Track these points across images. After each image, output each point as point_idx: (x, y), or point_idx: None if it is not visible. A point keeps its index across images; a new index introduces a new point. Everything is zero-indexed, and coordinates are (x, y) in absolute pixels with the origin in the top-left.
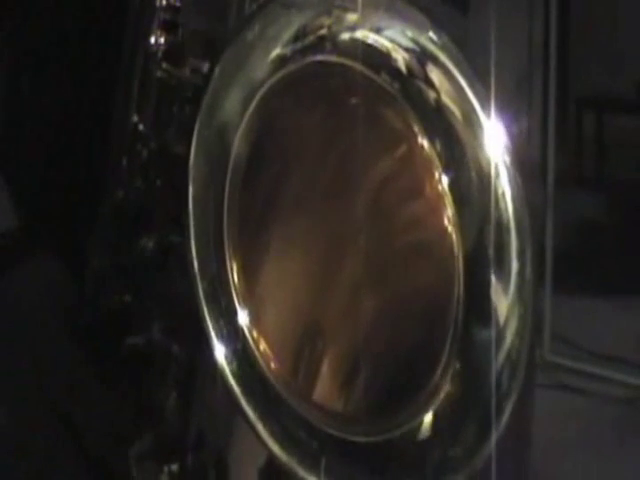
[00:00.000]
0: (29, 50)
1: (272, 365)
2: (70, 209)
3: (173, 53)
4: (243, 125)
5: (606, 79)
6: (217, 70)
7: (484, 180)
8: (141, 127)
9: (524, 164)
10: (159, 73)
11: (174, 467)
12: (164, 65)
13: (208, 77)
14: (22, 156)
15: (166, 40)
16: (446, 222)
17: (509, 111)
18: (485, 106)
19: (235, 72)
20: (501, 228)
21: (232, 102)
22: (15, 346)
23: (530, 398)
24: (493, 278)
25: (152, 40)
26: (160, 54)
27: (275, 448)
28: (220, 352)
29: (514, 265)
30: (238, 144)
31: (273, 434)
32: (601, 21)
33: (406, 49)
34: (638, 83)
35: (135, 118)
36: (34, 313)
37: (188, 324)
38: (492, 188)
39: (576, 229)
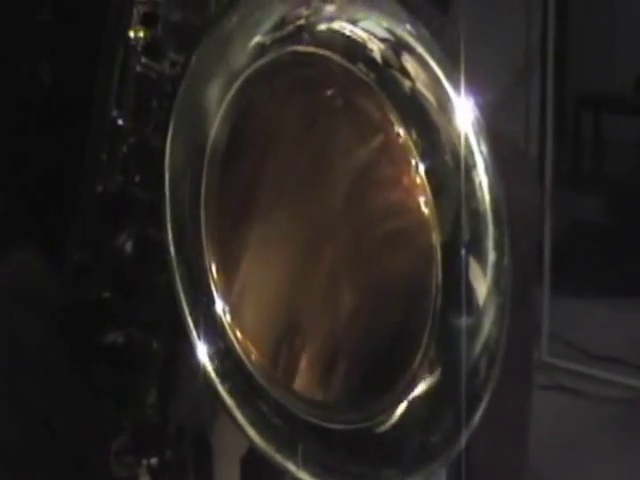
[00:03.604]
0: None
1: (252, 357)
2: (50, 202)
3: (153, 47)
4: (221, 113)
5: (604, 78)
6: (194, 58)
7: (460, 167)
8: (120, 122)
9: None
10: (139, 67)
11: (153, 461)
12: (144, 59)
13: (186, 63)
14: (1, 148)
15: (146, 34)
16: (424, 210)
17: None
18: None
19: (214, 60)
20: (478, 218)
21: (210, 89)
22: None
23: (528, 399)
24: (472, 262)
25: (131, 34)
26: (140, 48)
27: (253, 435)
28: (203, 352)
29: (491, 256)
30: (216, 133)
31: (251, 422)
32: (599, 19)
33: (382, 39)
34: (636, 82)
35: (114, 112)
36: (12, 308)
37: (167, 319)
38: (462, 166)
39: (574, 229)
